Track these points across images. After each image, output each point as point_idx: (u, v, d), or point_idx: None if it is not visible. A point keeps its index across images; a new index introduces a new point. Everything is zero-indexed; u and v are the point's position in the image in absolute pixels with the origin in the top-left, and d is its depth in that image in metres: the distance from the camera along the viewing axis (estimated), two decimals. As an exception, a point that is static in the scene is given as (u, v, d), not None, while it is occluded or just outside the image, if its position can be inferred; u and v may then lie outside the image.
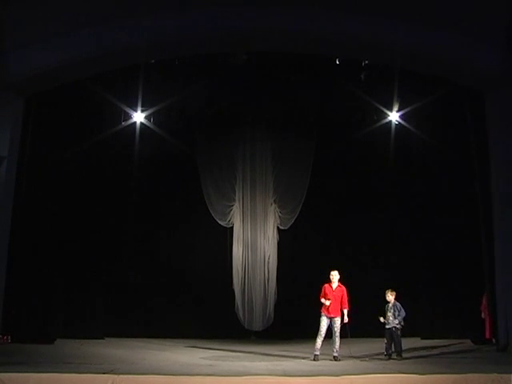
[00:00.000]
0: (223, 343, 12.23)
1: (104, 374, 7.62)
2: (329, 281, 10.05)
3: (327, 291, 9.96)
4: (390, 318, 10.01)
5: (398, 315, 9.98)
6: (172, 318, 13.18)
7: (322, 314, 9.90)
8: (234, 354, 10.93)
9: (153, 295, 13.39)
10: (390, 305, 10.11)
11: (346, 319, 9.87)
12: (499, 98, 11.18)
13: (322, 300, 9.91)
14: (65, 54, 10.71)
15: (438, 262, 12.62)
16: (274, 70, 12.00)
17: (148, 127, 12.87)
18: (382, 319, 10.03)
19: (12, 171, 11.35)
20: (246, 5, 10.43)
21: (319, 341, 9.79)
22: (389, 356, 9.91)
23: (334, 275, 9.98)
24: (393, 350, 9.97)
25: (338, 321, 9.84)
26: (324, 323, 9.83)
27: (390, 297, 10.16)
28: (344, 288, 10.04)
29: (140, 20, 10.50)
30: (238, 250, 13.67)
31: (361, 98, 12.16)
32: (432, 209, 12.86)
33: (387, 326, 10.00)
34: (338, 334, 9.80)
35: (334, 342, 9.82)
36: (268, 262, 13.58)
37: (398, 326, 9.95)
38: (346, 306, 9.93)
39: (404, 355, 9.87)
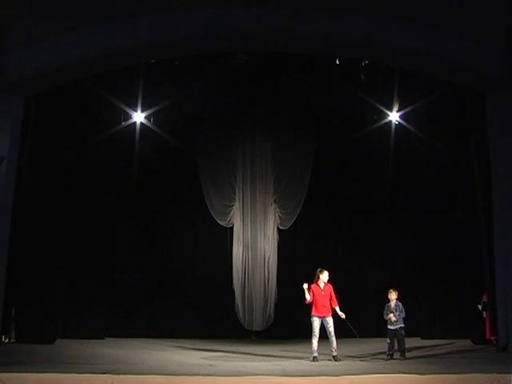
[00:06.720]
0: (223, 343, 12.22)
1: (104, 374, 7.62)
2: (316, 280, 9.93)
3: (315, 291, 9.86)
4: (394, 318, 9.96)
5: (400, 315, 9.95)
6: (172, 318, 13.18)
7: (313, 314, 9.84)
8: (233, 354, 10.91)
9: (153, 295, 13.41)
10: (393, 305, 10.02)
11: (342, 315, 9.79)
12: (499, 97, 11.17)
13: (307, 297, 9.78)
14: (65, 54, 10.71)
15: (438, 261, 12.62)
16: (274, 70, 12.00)
17: (148, 127, 12.87)
18: (393, 317, 9.87)
19: (12, 171, 11.36)
20: (246, 5, 10.44)
21: (315, 342, 9.72)
22: (390, 356, 9.88)
23: (326, 275, 9.92)
24: (395, 349, 9.93)
25: (330, 320, 9.75)
26: (316, 324, 9.76)
27: (394, 296, 10.07)
28: (331, 286, 9.97)
29: (140, 20, 10.51)
30: (238, 250, 13.66)
31: (361, 98, 12.16)
32: (432, 208, 12.85)
33: (392, 327, 9.93)
34: (332, 333, 9.73)
35: (330, 342, 9.77)
36: (268, 262, 13.57)
37: (402, 326, 9.92)
38: (336, 303, 9.85)
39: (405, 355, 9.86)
